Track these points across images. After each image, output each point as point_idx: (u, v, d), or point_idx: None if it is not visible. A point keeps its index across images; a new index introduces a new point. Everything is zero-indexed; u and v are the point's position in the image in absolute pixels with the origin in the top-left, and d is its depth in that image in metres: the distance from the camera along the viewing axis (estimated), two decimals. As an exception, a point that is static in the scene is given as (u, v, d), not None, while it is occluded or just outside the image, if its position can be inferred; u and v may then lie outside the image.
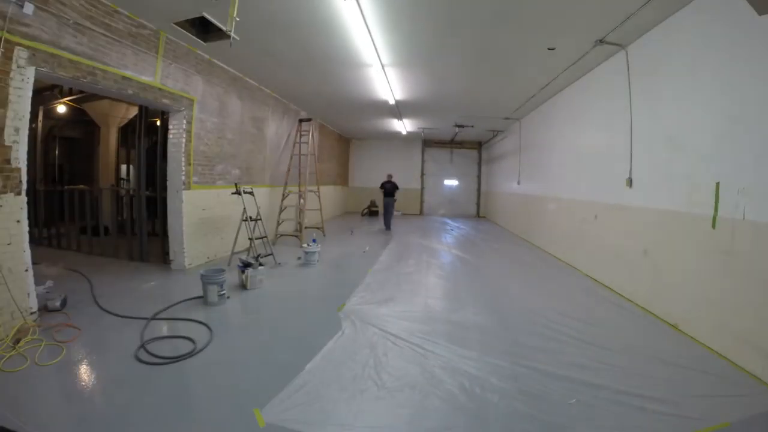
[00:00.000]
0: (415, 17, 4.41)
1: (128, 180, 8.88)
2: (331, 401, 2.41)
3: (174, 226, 5.56)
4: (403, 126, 12.38)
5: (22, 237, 3.27)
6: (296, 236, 8.32)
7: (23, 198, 3.28)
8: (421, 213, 16.42)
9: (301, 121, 9.45)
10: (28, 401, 2.31)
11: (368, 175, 16.45)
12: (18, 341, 2.96)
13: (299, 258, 6.39)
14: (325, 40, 5.12)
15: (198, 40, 4.94)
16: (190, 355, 2.96)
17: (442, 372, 2.81)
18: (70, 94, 7.64)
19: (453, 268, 6.46)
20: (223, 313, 3.97)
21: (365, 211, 15.11)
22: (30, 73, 3.29)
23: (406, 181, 16.47)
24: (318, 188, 9.21)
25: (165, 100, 5.07)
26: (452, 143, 15.87)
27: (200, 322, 3.60)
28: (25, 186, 3.29)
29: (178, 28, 4.67)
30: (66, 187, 7.40)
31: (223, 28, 4.43)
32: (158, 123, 6.03)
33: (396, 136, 14.67)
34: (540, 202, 8.72)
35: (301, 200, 8.62)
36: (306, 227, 8.51)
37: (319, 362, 2.90)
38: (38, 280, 3.54)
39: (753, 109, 3.01)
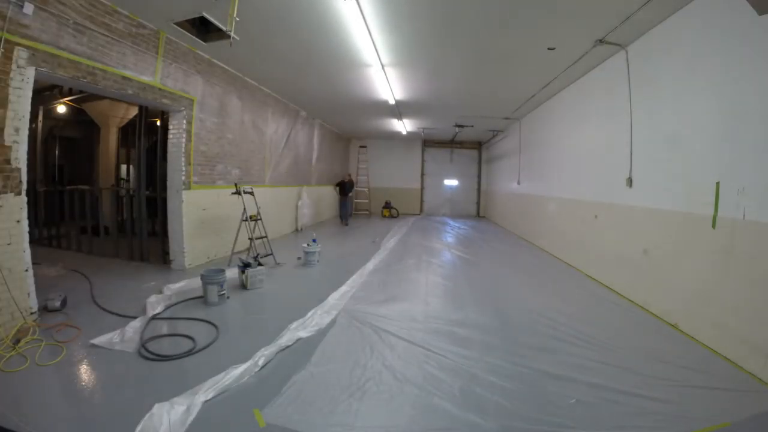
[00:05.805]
0: (415, 17, 4.41)
1: (128, 180, 8.88)
2: (332, 401, 2.40)
3: (174, 226, 5.56)
4: (403, 126, 12.37)
5: (22, 237, 3.27)
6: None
7: (23, 198, 3.28)
8: (421, 213, 16.41)
9: (360, 147, 15.49)
10: (28, 401, 2.31)
11: (369, 175, 16.45)
12: (18, 341, 2.96)
13: (299, 258, 6.40)
14: (325, 40, 5.12)
15: (198, 40, 4.95)
16: (190, 353, 2.97)
17: (442, 372, 2.81)
18: (70, 94, 7.63)
19: (453, 267, 6.45)
20: (223, 312, 3.96)
21: (385, 213, 15.08)
22: (30, 73, 3.29)
23: (407, 180, 16.50)
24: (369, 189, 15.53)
25: (165, 100, 5.07)
26: (452, 143, 15.86)
27: (207, 321, 3.60)
28: (25, 186, 3.29)
29: (178, 28, 4.68)
30: (66, 187, 7.39)
31: (223, 28, 4.44)
32: (158, 123, 6.02)
33: (396, 135, 14.66)
34: (540, 202, 8.72)
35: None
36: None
37: (319, 362, 2.90)
38: (38, 280, 3.54)
39: (753, 109, 3.00)
